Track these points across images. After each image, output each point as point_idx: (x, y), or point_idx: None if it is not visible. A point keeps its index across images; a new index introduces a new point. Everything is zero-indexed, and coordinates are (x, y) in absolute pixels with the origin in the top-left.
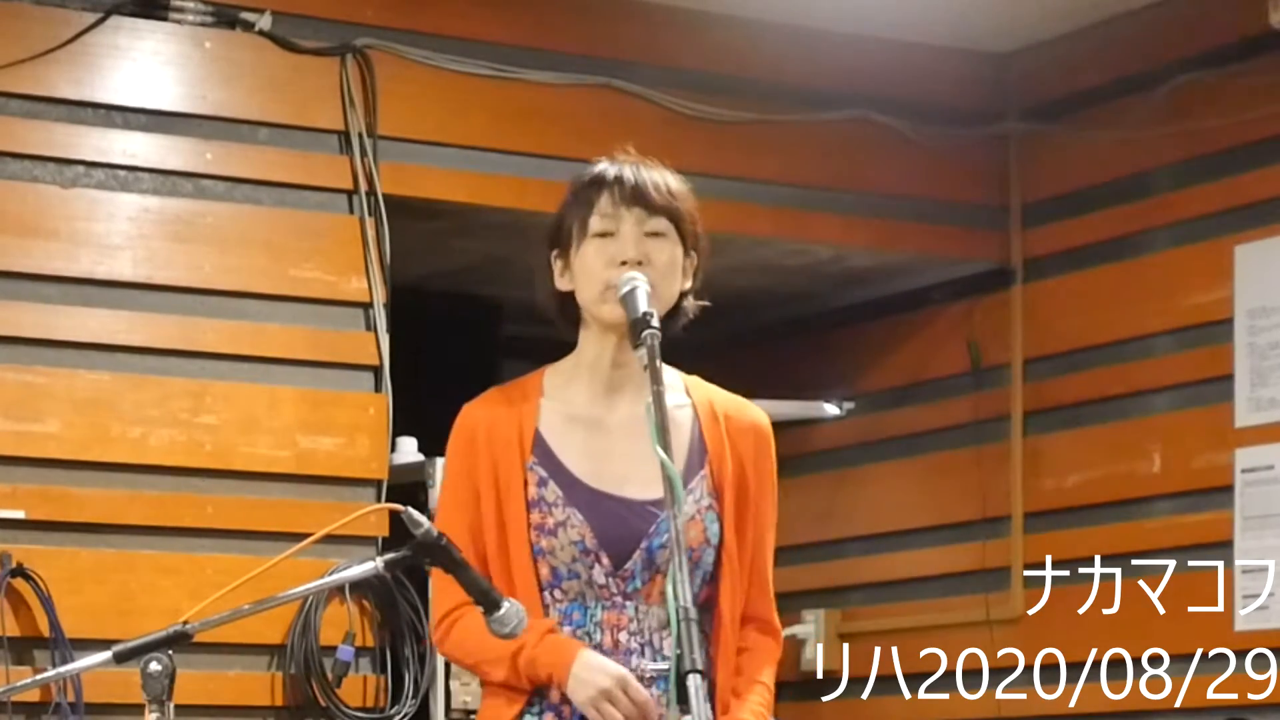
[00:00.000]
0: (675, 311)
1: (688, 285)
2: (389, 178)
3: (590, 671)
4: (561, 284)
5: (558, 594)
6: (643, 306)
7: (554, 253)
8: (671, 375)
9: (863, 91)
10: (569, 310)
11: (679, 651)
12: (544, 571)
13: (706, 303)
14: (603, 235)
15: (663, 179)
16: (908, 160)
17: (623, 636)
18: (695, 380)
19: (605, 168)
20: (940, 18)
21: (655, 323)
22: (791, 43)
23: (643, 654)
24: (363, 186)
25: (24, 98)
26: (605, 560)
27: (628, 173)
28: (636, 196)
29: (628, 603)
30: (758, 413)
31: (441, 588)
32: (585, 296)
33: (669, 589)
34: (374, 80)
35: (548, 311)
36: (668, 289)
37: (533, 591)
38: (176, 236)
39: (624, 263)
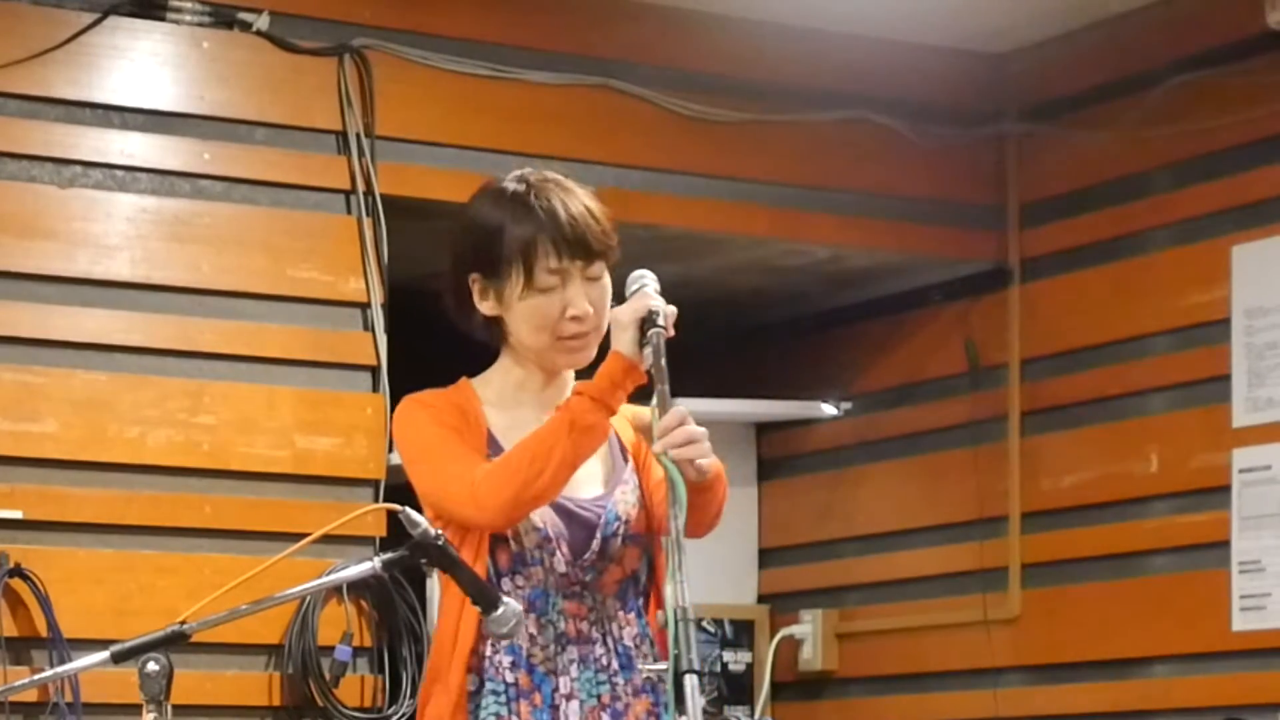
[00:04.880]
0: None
1: None
2: (387, 178)
3: (614, 322)
4: (484, 308)
5: (520, 580)
6: (653, 303)
7: (472, 276)
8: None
9: (860, 92)
10: (496, 333)
11: (676, 651)
12: (503, 559)
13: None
14: (550, 290)
15: (589, 211)
16: (905, 160)
17: (584, 625)
18: None
19: (535, 202)
20: (938, 18)
21: (662, 321)
22: (790, 43)
23: (604, 643)
24: (360, 187)
25: (22, 98)
26: (565, 549)
27: (562, 216)
28: (577, 249)
29: (585, 592)
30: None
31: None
32: (531, 343)
33: (667, 589)
34: (372, 80)
35: (467, 327)
36: (605, 323)
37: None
38: (174, 237)
39: (575, 317)
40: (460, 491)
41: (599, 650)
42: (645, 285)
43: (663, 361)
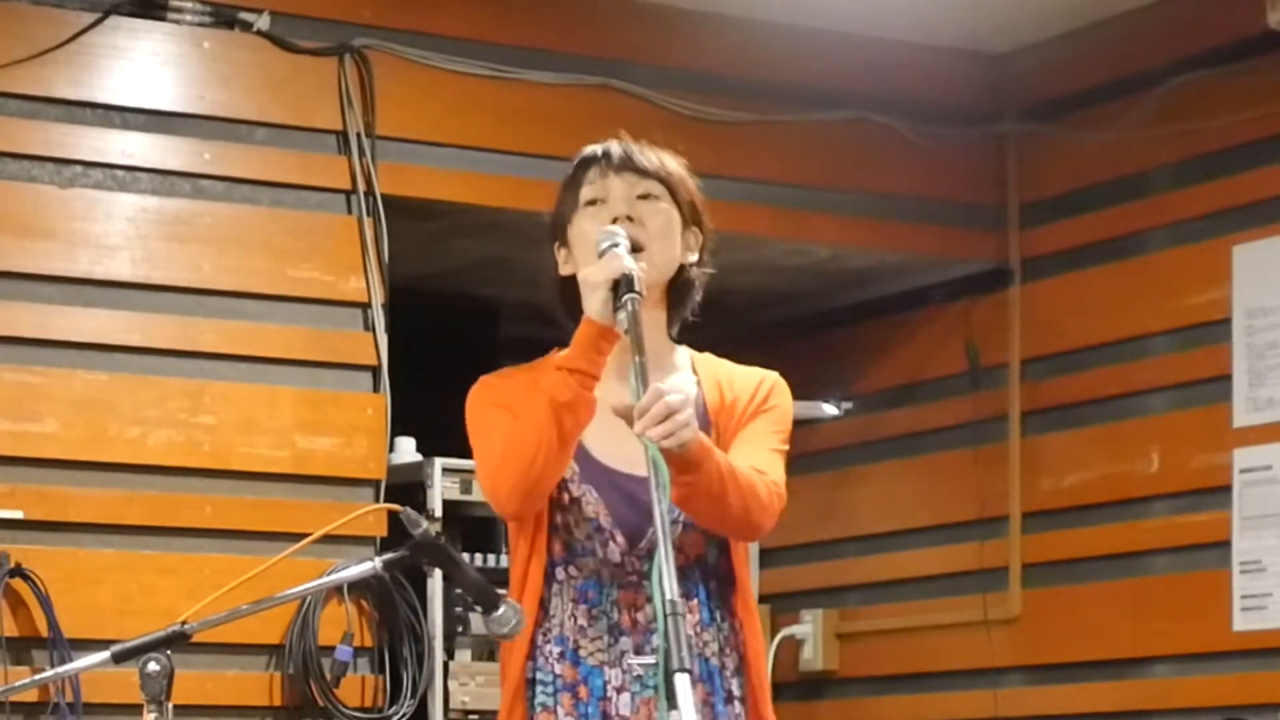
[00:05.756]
0: (683, 285)
1: (692, 258)
2: (387, 178)
3: (584, 283)
4: (565, 270)
5: (572, 570)
6: (626, 264)
7: (555, 244)
8: (681, 353)
9: (861, 92)
10: (571, 297)
11: (665, 646)
12: (556, 549)
13: (711, 269)
14: (593, 203)
15: (653, 151)
16: (906, 160)
17: (640, 617)
18: (705, 356)
19: (593, 146)
20: (938, 18)
21: (638, 287)
22: (790, 43)
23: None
24: (361, 187)
25: (22, 98)
26: (619, 539)
27: (614, 146)
28: (624, 163)
29: (644, 582)
30: (765, 373)
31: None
32: (582, 269)
33: (654, 581)
34: (372, 80)
35: (553, 307)
36: (663, 252)
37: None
38: (175, 237)
39: (615, 220)
40: (485, 485)
41: (656, 641)
42: (617, 245)
43: (640, 330)
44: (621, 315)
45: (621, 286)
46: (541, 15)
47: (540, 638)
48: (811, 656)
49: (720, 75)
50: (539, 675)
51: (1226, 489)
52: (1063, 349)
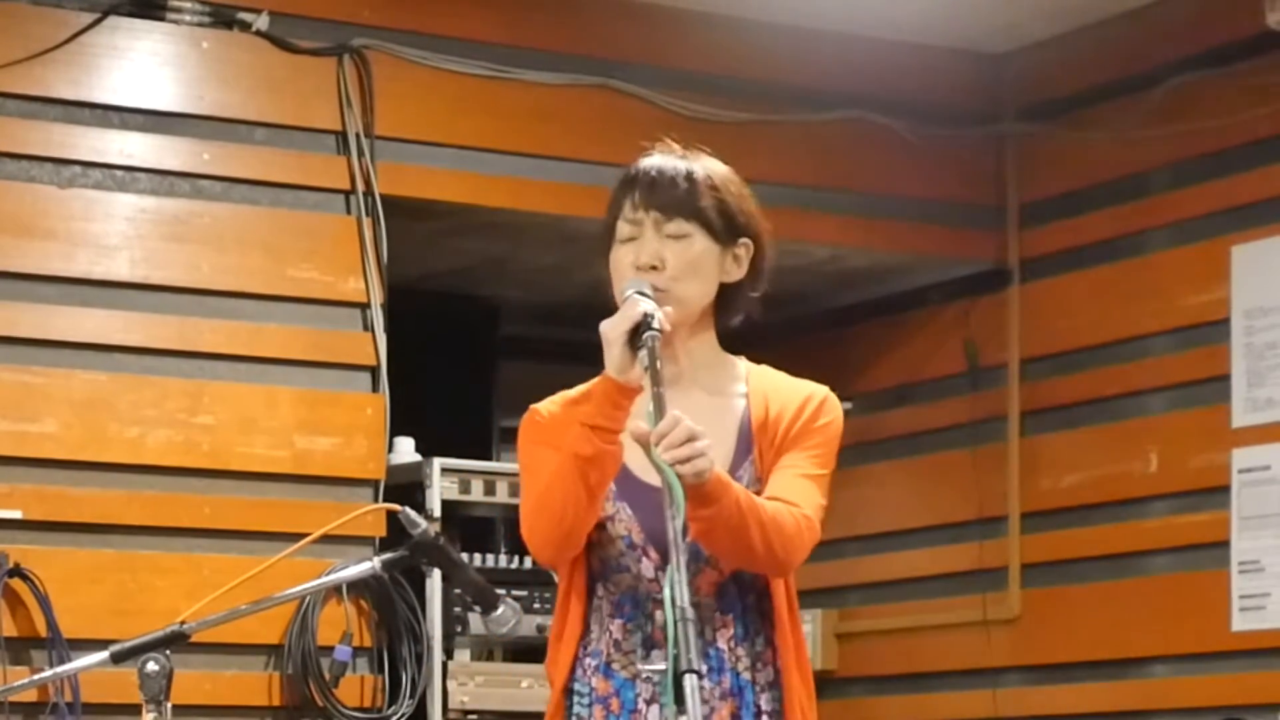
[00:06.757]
0: (725, 302)
1: (735, 276)
2: (386, 178)
3: (603, 337)
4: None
5: (610, 586)
6: (642, 308)
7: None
8: (738, 366)
9: (860, 92)
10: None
11: (675, 652)
12: (595, 564)
13: (754, 294)
14: (628, 240)
15: (686, 173)
16: (905, 160)
17: None
18: (760, 370)
19: (637, 164)
20: (938, 18)
21: (656, 325)
22: (789, 43)
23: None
24: (360, 187)
25: (21, 98)
26: (653, 554)
27: (651, 171)
28: (654, 198)
29: None
30: (814, 387)
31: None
32: (618, 300)
33: (666, 591)
34: (371, 80)
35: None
36: (687, 289)
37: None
38: (174, 237)
39: (638, 267)
40: (523, 533)
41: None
42: (640, 291)
43: (658, 364)
44: (642, 353)
45: (641, 328)
46: (541, 15)
47: (581, 650)
48: (811, 656)
49: (720, 75)
50: (576, 686)
51: (1225, 489)
52: (1062, 349)
